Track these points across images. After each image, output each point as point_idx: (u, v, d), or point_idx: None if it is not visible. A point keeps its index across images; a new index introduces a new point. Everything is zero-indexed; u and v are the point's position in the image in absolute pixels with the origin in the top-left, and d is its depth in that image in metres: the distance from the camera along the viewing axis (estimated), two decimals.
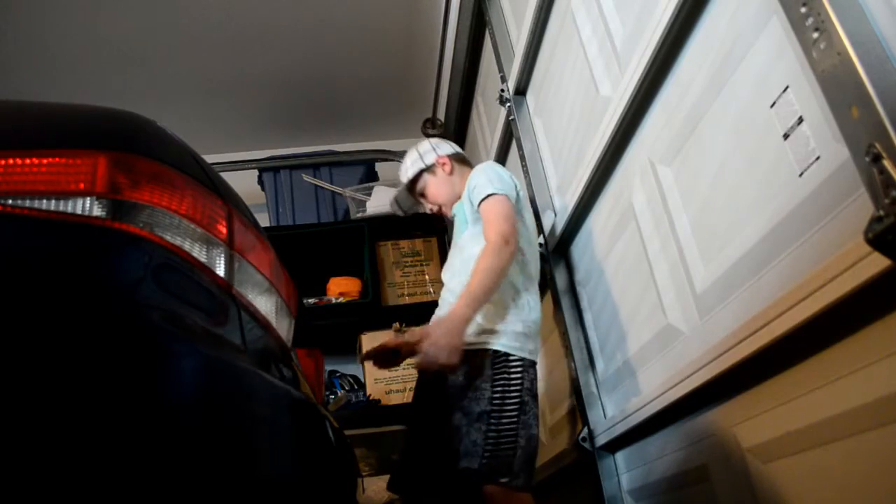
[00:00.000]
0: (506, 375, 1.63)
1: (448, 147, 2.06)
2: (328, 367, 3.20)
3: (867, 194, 0.74)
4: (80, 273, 0.67)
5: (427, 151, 2.02)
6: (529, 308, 1.74)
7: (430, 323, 1.66)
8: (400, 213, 2.12)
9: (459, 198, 1.94)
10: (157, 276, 0.71)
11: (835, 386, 0.89)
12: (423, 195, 2.03)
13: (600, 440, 1.71)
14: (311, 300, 3.17)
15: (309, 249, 3.19)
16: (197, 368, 0.67)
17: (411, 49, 3.31)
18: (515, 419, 1.58)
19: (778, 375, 1.01)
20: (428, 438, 1.69)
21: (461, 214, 1.90)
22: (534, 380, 1.69)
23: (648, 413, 1.38)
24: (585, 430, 1.77)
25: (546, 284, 2.06)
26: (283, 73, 3.33)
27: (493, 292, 1.62)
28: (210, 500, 0.65)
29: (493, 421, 1.56)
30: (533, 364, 1.70)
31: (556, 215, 2.02)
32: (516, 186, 1.83)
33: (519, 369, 1.65)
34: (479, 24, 2.75)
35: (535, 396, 1.67)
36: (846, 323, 0.84)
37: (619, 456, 1.72)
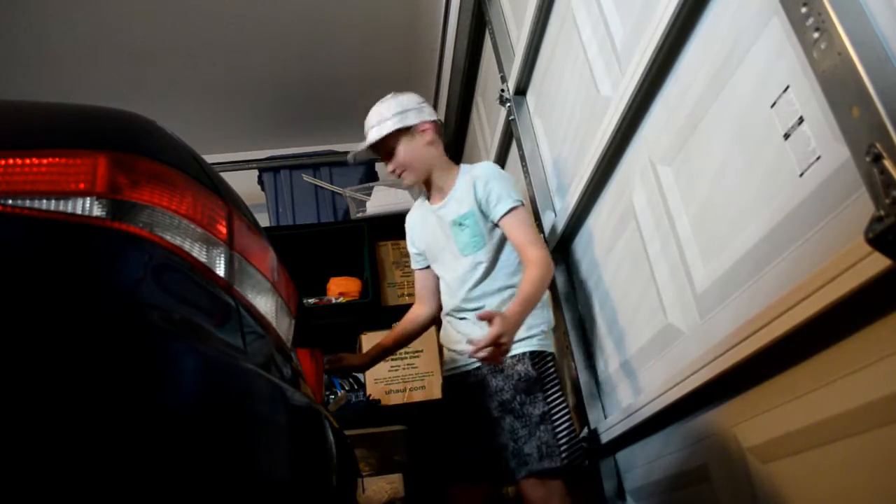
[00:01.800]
0: (548, 373, 1.73)
1: (433, 112, 1.89)
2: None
3: (867, 194, 0.74)
4: (80, 273, 0.67)
5: (410, 109, 1.83)
6: (546, 309, 1.81)
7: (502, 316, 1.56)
8: (352, 162, 1.99)
9: (428, 173, 1.85)
10: (156, 276, 0.71)
11: (835, 386, 0.89)
12: (390, 154, 1.84)
13: (600, 440, 1.71)
14: (311, 300, 3.17)
15: (309, 249, 3.18)
16: (197, 368, 0.67)
17: (411, 49, 3.31)
18: (567, 410, 1.70)
19: (778, 375, 1.01)
20: (475, 443, 1.75)
21: (474, 229, 1.79)
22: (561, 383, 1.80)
23: (648, 413, 1.38)
24: (585, 430, 1.77)
25: None
26: (283, 73, 3.33)
27: (538, 296, 1.66)
28: (210, 500, 0.65)
29: (556, 418, 1.67)
30: (556, 356, 1.80)
31: (556, 215, 2.02)
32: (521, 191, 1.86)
33: (552, 364, 1.75)
34: (479, 24, 2.74)
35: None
36: (846, 323, 0.84)
37: (619, 456, 1.72)
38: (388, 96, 1.88)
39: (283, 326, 0.98)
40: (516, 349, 1.69)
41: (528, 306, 1.60)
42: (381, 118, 1.83)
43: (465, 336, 1.77)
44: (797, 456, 0.98)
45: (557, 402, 1.69)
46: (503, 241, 1.79)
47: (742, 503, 1.13)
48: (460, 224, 1.80)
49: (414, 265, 2.03)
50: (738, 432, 1.13)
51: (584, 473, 1.74)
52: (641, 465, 1.59)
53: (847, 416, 0.87)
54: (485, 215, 1.77)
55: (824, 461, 0.92)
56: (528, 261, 1.67)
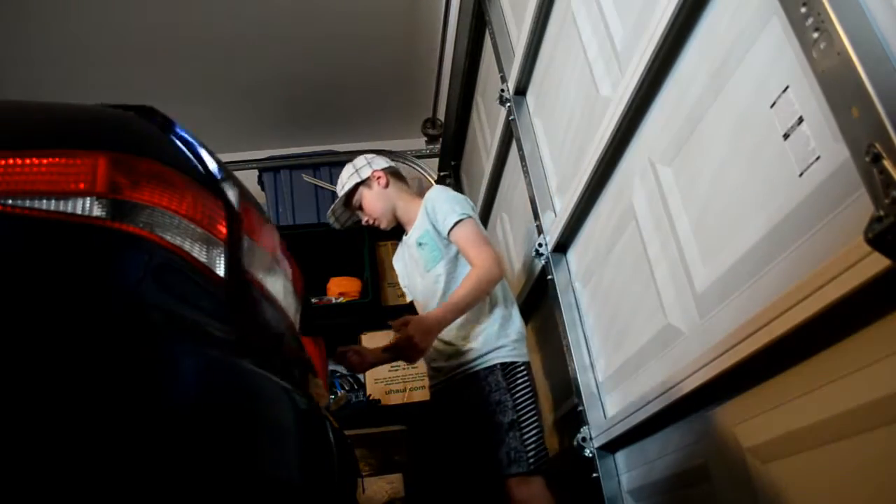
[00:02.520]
0: (518, 383, 1.87)
1: (383, 161, 2.17)
2: (328, 368, 3.20)
3: (867, 194, 0.74)
4: (81, 273, 0.67)
5: (362, 166, 2.14)
6: (515, 318, 1.98)
7: (414, 318, 1.83)
8: (337, 225, 2.24)
9: (393, 211, 2.11)
10: (157, 276, 0.71)
11: (835, 386, 0.89)
12: (360, 208, 2.15)
13: (600, 440, 1.71)
14: (311, 300, 3.17)
15: (309, 249, 3.17)
16: (197, 368, 0.67)
17: (411, 49, 3.31)
18: (535, 417, 1.83)
19: (778, 375, 1.01)
20: (453, 454, 1.94)
21: (431, 245, 2.00)
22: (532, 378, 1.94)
23: (648, 413, 1.38)
24: (585, 430, 1.77)
25: (546, 284, 2.07)
26: (283, 73, 3.33)
27: (471, 307, 1.85)
28: (211, 500, 0.65)
29: (524, 426, 1.80)
30: (529, 364, 1.95)
31: (555, 215, 2.02)
32: (472, 207, 2.00)
33: (524, 372, 1.90)
34: (479, 24, 2.74)
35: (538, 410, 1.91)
36: (846, 323, 0.84)
37: (619, 456, 1.72)
38: (346, 166, 2.19)
39: (292, 310, 0.98)
40: (488, 361, 1.88)
41: (455, 309, 1.79)
42: (342, 183, 2.16)
43: (434, 351, 1.96)
44: (797, 456, 0.98)
45: (526, 410, 1.83)
46: (458, 254, 1.97)
47: (742, 503, 1.13)
48: (420, 244, 2.04)
49: (408, 298, 2.25)
50: (738, 432, 1.13)
51: (581, 474, 1.75)
52: (641, 465, 1.59)
53: (847, 416, 0.87)
54: (439, 233, 1.97)
55: (824, 461, 0.92)
56: (471, 265, 1.87)
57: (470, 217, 1.92)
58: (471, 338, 1.93)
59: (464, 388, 1.92)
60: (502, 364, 1.87)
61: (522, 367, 1.90)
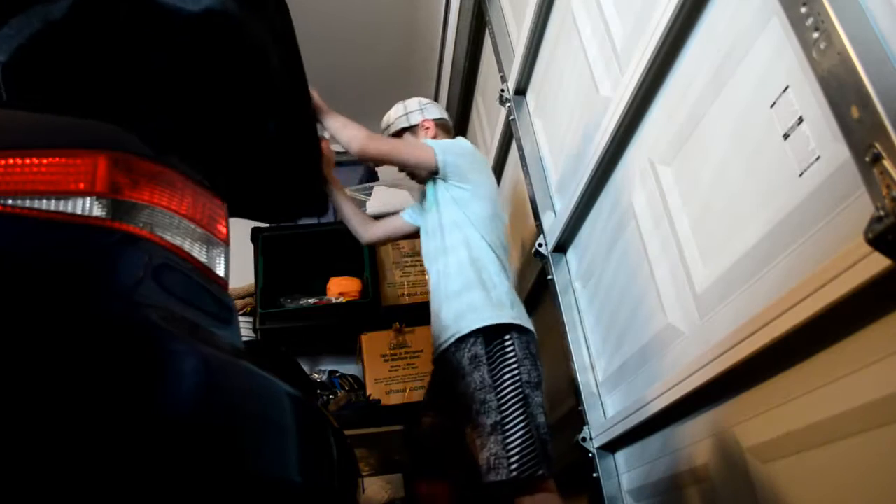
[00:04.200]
0: (507, 362, 1.63)
1: (436, 111, 2.03)
2: (328, 368, 3.20)
3: (867, 194, 0.74)
4: (80, 273, 0.67)
5: (414, 111, 2.01)
6: (501, 284, 1.75)
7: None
8: (372, 164, 2.11)
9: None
10: (156, 275, 0.71)
11: (835, 386, 0.89)
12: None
13: (600, 440, 1.71)
14: (311, 300, 3.17)
15: (309, 249, 3.18)
16: (197, 368, 0.67)
17: (412, 49, 3.31)
18: (525, 418, 1.59)
19: (778, 375, 1.01)
20: (443, 448, 1.78)
21: (430, 193, 1.88)
22: (529, 357, 1.66)
23: (648, 413, 1.38)
24: (585, 430, 1.77)
25: (546, 284, 2.07)
26: None
27: (338, 137, 1.86)
28: (211, 499, 0.65)
29: (507, 427, 1.59)
30: (525, 332, 1.68)
31: (556, 215, 2.02)
32: (481, 161, 1.88)
33: (512, 346, 1.64)
34: (479, 24, 2.75)
35: (537, 384, 1.64)
36: (846, 323, 0.84)
37: (619, 456, 1.72)
38: (397, 103, 2.04)
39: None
40: (467, 325, 1.66)
41: (337, 123, 1.84)
42: (388, 121, 2.02)
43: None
44: (797, 456, 0.98)
45: (512, 406, 1.60)
46: (446, 203, 1.83)
47: (742, 503, 1.13)
48: (425, 192, 1.95)
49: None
50: (738, 432, 1.13)
51: (580, 472, 1.74)
52: (641, 465, 1.59)
53: (847, 416, 0.87)
54: (437, 182, 1.86)
55: (824, 461, 0.92)
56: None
57: (432, 147, 1.83)
58: (452, 304, 1.75)
59: (445, 367, 1.74)
60: (484, 331, 1.64)
61: (511, 350, 1.64)
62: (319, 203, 1.84)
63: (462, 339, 1.67)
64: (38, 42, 1.01)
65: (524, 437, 1.58)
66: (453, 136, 2.01)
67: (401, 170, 1.96)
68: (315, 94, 1.81)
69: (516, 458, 1.56)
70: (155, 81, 1.13)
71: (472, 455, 1.65)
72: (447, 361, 1.73)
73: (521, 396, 1.60)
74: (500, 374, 1.63)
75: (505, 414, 1.60)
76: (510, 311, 1.68)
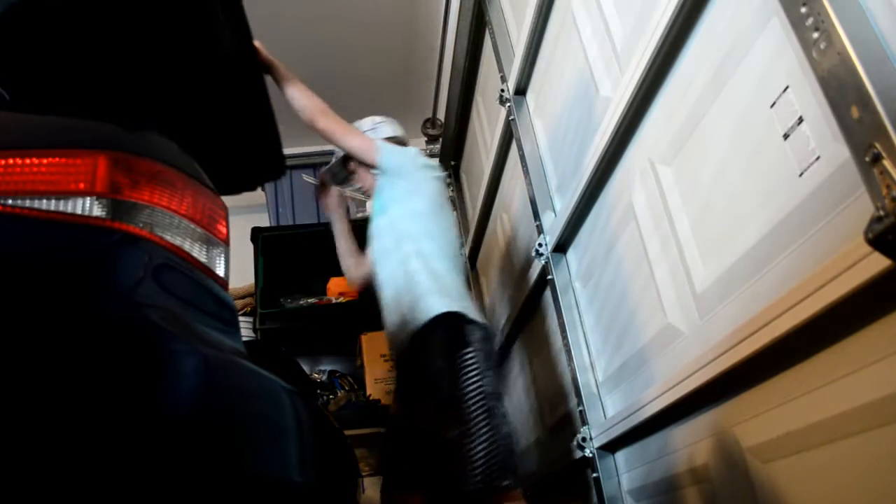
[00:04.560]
0: (468, 381, 1.61)
1: (389, 129, 2.06)
2: (328, 367, 3.19)
3: (867, 194, 0.74)
4: (80, 273, 0.67)
5: (367, 130, 2.03)
6: (449, 278, 1.74)
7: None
8: (333, 182, 2.10)
9: None
10: (156, 275, 0.71)
11: (835, 386, 0.89)
12: (353, 172, 2.01)
13: (600, 440, 1.71)
14: (311, 300, 3.17)
15: (309, 249, 3.18)
16: (197, 368, 0.67)
17: (411, 49, 3.31)
18: (488, 429, 1.59)
19: (778, 375, 1.01)
20: (413, 458, 1.74)
21: (376, 197, 1.91)
22: (489, 362, 1.64)
23: (648, 413, 1.38)
24: (585, 430, 1.77)
25: (546, 284, 2.07)
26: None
27: (295, 101, 1.94)
28: (210, 498, 0.65)
29: (472, 438, 1.58)
30: (480, 326, 1.66)
31: (556, 215, 2.02)
32: (424, 165, 1.89)
33: (475, 367, 1.62)
34: (479, 24, 2.74)
35: (499, 395, 1.65)
36: (846, 323, 0.84)
37: (619, 456, 1.72)
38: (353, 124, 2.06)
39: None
40: (422, 318, 1.64)
41: (293, 85, 1.93)
42: None
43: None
44: (797, 456, 0.98)
45: (476, 418, 1.59)
46: (391, 202, 1.86)
47: (742, 503, 1.13)
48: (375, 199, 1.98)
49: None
50: (738, 432, 1.13)
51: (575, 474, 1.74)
52: (641, 465, 1.59)
53: (847, 416, 0.87)
54: (382, 189, 1.90)
55: (824, 461, 0.92)
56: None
57: (372, 140, 1.92)
58: (403, 301, 1.74)
59: (406, 367, 1.75)
60: (439, 321, 1.61)
61: (472, 355, 1.61)
62: (277, 165, 1.78)
63: (417, 335, 1.65)
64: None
65: (488, 449, 1.57)
66: None
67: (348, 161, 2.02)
68: (264, 51, 1.83)
69: (480, 469, 1.56)
70: (103, 48, 1.12)
71: (440, 466, 1.63)
72: (407, 361, 1.73)
73: (484, 408, 1.59)
74: (462, 386, 1.61)
75: (469, 426, 1.58)
76: (459, 302, 1.67)
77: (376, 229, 1.89)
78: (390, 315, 1.79)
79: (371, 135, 2.01)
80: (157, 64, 1.20)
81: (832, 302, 0.81)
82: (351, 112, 3.99)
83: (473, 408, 1.60)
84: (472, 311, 1.68)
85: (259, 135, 1.57)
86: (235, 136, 1.49)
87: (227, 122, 1.43)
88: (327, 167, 2.09)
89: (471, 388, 1.61)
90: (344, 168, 2.05)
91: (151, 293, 0.70)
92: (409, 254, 1.74)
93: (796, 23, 0.84)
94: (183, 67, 1.23)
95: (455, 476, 1.57)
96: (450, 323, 1.63)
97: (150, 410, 0.61)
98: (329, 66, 3.33)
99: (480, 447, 1.57)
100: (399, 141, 2.06)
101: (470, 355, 1.62)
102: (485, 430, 1.58)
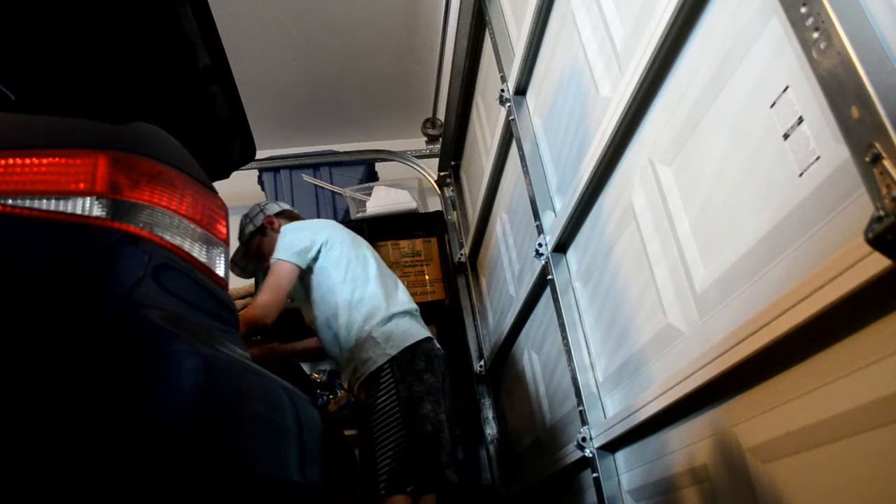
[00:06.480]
0: (379, 395, 1.95)
1: (275, 206, 2.37)
2: (328, 368, 3.19)
3: (867, 194, 0.74)
4: (80, 272, 0.67)
5: (256, 214, 2.32)
6: (364, 324, 2.07)
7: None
8: (244, 275, 2.41)
9: None
10: (156, 275, 0.71)
11: (835, 386, 0.89)
12: (259, 254, 2.30)
13: (600, 440, 1.71)
14: None
15: None
16: (196, 368, 0.67)
17: (411, 49, 3.31)
18: (394, 438, 1.88)
19: (778, 375, 1.01)
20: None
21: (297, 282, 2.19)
22: (411, 373, 2.00)
23: (648, 413, 1.38)
24: (585, 430, 1.77)
25: (546, 284, 2.07)
26: (283, 73, 3.33)
27: (247, 324, 2.00)
28: (211, 499, 0.65)
29: (379, 448, 1.87)
30: (399, 357, 2.01)
31: (555, 215, 2.02)
32: (306, 246, 2.13)
33: (389, 380, 1.96)
34: (479, 24, 2.74)
35: (418, 399, 1.95)
36: (846, 323, 0.84)
37: (619, 456, 1.72)
38: (242, 217, 2.37)
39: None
40: (364, 372, 2.03)
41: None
42: (240, 234, 2.33)
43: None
44: (797, 456, 0.98)
45: (383, 428, 1.90)
46: (315, 285, 2.15)
47: (742, 503, 1.13)
48: None
49: None
50: (738, 432, 1.13)
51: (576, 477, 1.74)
52: (641, 465, 1.59)
53: (847, 416, 0.87)
54: None
55: (824, 461, 0.92)
56: (250, 307, 2.05)
57: (281, 261, 2.08)
58: (347, 363, 2.11)
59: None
60: (366, 380, 2.00)
61: (388, 375, 1.97)
62: (247, 147, 1.86)
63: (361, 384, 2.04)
64: None
65: (393, 455, 1.85)
66: (297, 219, 2.35)
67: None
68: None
69: (385, 475, 1.83)
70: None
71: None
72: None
73: (395, 415, 1.91)
74: (374, 399, 1.95)
75: (378, 434, 1.89)
76: (384, 350, 2.01)
77: (312, 301, 2.20)
78: (344, 368, 2.20)
79: (260, 217, 2.30)
80: (135, 63, 1.23)
81: (832, 302, 0.81)
82: (351, 112, 4.00)
83: (382, 417, 1.90)
84: (398, 345, 2.02)
85: (229, 123, 1.64)
86: (208, 126, 1.55)
87: (200, 113, 1.49)
88: (232, 263, 2.32)
89: (381, 398, 1.94)
90: (250, 259, 2.35)
91: (151, 293, 0.70)
92: (339, 324, 2.10)
93: (796, 23, 0.84)
94: (156, 65, 1.28)
95: (373, 482, 1.83)
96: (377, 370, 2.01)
97: (150, 410, 0.61)
98: (329, 67, 3.33)
99: (386, 454, 1.86)
100: (286, 212, 2.38)
101: (384, 374, 1.97)
102: (391, 438, 1.89)
